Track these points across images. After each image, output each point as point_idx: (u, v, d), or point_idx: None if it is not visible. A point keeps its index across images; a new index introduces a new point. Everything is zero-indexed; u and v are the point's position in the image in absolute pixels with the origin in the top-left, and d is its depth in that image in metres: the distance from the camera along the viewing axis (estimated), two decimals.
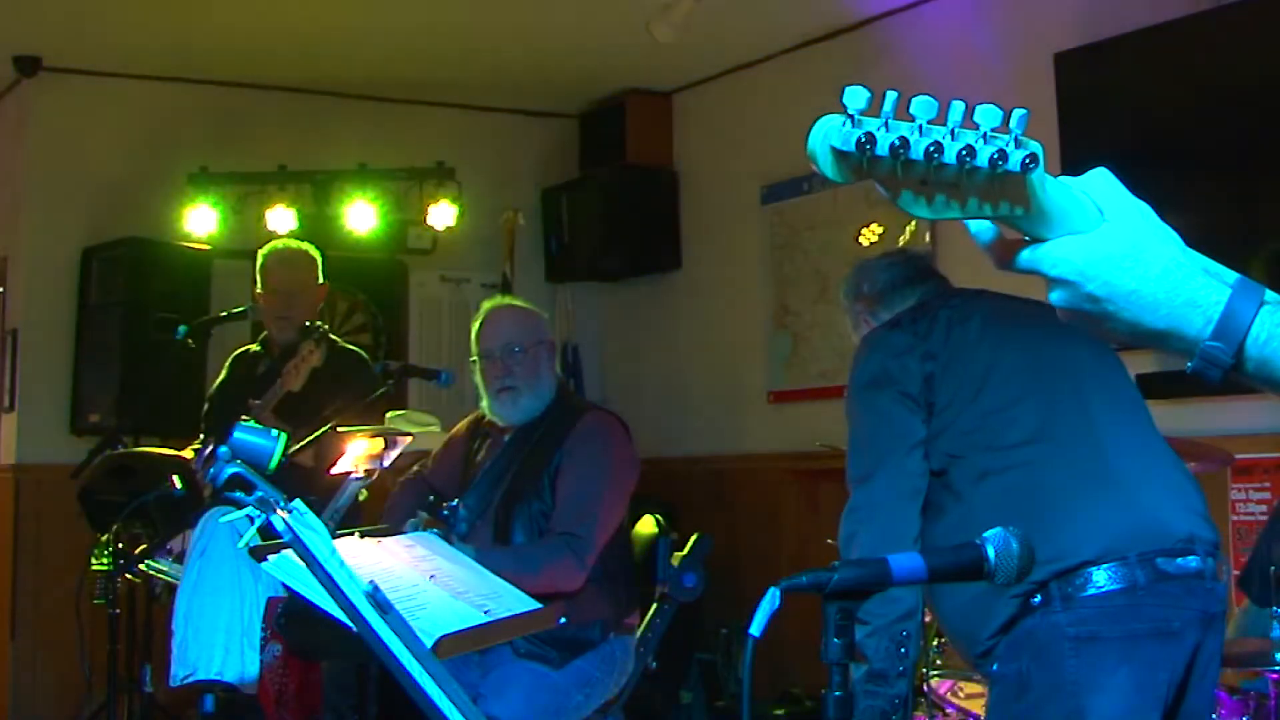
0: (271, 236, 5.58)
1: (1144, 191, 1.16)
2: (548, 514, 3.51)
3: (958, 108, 1.05)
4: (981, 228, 1.16)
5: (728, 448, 6.12)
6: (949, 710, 3.52)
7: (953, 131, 1.05)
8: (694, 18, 4.95)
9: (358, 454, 3.27)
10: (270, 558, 2.07)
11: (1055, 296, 1.17)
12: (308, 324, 4.38)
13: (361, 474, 3.30)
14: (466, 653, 3.13)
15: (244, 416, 4.09)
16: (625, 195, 6.33)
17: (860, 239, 5.47)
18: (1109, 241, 1.14)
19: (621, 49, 5.75)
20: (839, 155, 1.05)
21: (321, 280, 4.53)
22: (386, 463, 3.37)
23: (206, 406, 4.59)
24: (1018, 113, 1.06)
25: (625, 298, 6.72)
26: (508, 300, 3.93)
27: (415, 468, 3.93)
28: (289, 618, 3.15)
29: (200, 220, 5.60)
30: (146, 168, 5.80)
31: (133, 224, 5.67)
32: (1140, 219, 1.16)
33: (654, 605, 3.64)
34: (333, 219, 5.74)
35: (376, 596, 1.76)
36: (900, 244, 5.27)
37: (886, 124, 1.04)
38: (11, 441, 5.78)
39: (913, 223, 5.22)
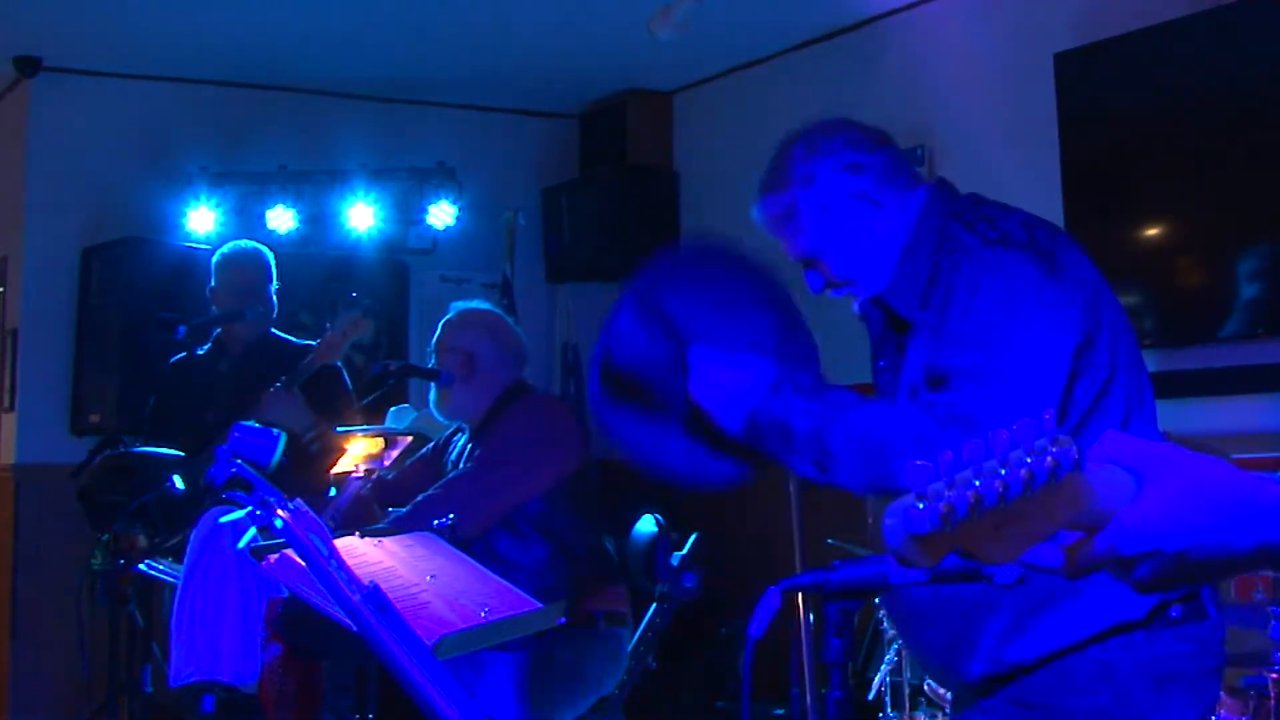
0: (272, 236, 5.59)
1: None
2: None
3: (999, 439, 1.02)
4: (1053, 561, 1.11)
5: None
6: (948, 710, 3.52)
7: (1006, 461, 1.01)
8: (694, 18, 4.95)
9: (357, 453, 3.28)
10: (270, 558, 2.08)
11: (1142, 572, 1.11)
12: (354, 295, 4.32)
13: (361, 473, 3.30)
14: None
15: (271, 391, 4.06)
16: (625, 195, 6.32)
17: None
18: (1166, 490, 1.09)
19: (621, 49, 5.75)
20: (922, 540, 1.00)
21: (276, 282, 4.49)
22: (386, 462, 3.38)
23: (153, 417, 4.48)
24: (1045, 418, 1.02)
25: None
26: (461, 306, 3.92)
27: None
28: (289, 618, 3.15)
29: (200, 220, 5.61)
30: (146, 168, 5.79)
31: (133, 224, 5.67)
32: (1176, 459, 1.12)
33: (654, 605, 3.63)
34: (333, 219, 5.74)
35: (376, 596, 1.76)
36: None
37: (951, 484, 0.99)
38: (11, 441, 5.78)
39: None
